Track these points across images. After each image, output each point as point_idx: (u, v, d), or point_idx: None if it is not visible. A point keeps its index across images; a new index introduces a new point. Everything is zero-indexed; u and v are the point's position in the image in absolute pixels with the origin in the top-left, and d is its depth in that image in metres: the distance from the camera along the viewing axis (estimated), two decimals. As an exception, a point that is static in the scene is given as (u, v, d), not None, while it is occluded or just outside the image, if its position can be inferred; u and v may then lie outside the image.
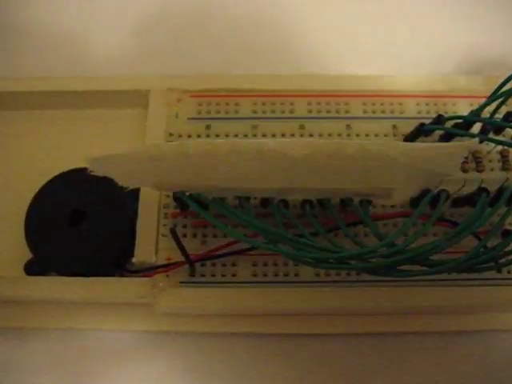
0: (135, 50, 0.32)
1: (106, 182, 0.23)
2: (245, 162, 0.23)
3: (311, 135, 0.28)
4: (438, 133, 0.27)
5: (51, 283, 0.25)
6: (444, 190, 0.24)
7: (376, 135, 0.28)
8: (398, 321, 0.26)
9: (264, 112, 0.28)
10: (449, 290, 0.25)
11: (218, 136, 0.28)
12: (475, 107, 0.28)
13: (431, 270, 0.23)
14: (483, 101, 0.27)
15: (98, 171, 0.23)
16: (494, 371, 0.26)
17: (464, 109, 0.28)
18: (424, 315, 0.26)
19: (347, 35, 0.33)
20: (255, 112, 0.28)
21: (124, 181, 0.23)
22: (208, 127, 0.28)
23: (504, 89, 0.26)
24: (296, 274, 0.25)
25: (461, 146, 0.23)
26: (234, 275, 0.26)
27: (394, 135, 0.28)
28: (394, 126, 0.28)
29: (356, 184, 0.23)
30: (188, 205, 0.24)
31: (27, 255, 0.26)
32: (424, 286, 0.25)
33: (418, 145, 0.23)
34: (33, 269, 0.26)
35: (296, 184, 0.24)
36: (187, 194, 0.24)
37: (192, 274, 0.25)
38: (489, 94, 0.27)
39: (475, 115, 0.26)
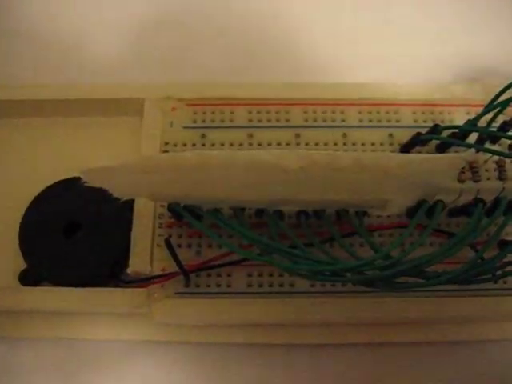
0: (130, 58, 0.32)
1: (101, 192, 0.23)
2: (239, 174, 0.22)
3: (307, 144, 0.28)
4: (435, 142, 0.27)
5: (45, 293, 0.25)
6: (440, 201, 0.24)
7: (372, 144, 0.28)
8: (393, 331, 0.26)
9: (260, 120, 0.28)
10: (444, 300, 0.25)
11: (213, 145, 0.28)
12: (472, 116, 0.28)
13: (428, 282, 0.22)
14: (480, 109, 0.27)
15: (93, 182, 0.23)
16: (495, 381, 0.26)
17: (461, 117, 0.28)
18: (420, 325, 0.26)
19: (343, 44, 0.33)
20: (251, 120, 0.28)
21: (119, 192, 0.23)
22: (203, 136, 0.28)
23: (501, 98, 0.26)
24: (291, 285, 0.25)
25: (457, 158, 0.23)
26: (228, 286, 0.25)
27: (390, 144, 0.28)
28: (391, 135, 0.28)
29: (351, 195, 0.23)
30: (183, 215, 0.24)
31: (21, 265, 0.26)
32: (420, 297, 0.25)
33: (414, 156, 0.23)
34: (27, 279, 0.26)
35: (291, 195, 0.23)
36: (182, 204, 0.24)
37: (187, 285, 0.25)
38: (485, 103, 0.27)
39: (472, 125, 0.26)
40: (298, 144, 0.28)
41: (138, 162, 0.23)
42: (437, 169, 0.23)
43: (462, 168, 0.25)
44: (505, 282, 0.26)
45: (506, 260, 0.23)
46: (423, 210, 0.24)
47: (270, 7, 0.34)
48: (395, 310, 0.25)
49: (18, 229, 0.27)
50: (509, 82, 0.26)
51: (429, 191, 0.24)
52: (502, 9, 0.34)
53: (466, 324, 0.26)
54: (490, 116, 0.26)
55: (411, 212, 0.25)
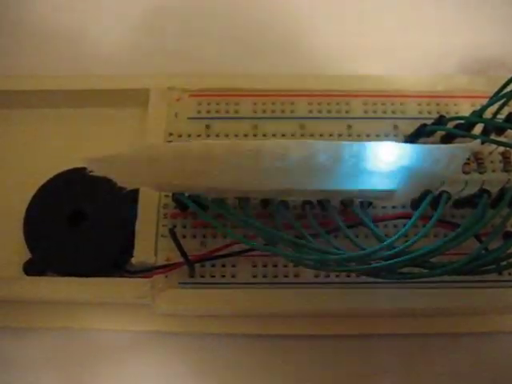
0: (135, 49, 0.32)
1: (106, 182, 0.23)
2: (244, 163, 0.22)
3: (312, 135, 0.28)
4: (440, 133, 0.27)
5: (50, 283, 0.25)
6: (445, 192, 0.24)
7: (377, 135, 0.28)
8: (398, 322, 0.26)
9: (264, 112, 0.28)
10: (450, 291, 0.25)
11: (217, 136, 0.28)
12: (477, 107, 0.27)
13: (432, 272, 0.22)
14: (484, 101, 0.27)
15: (97, 172, 0.22)
16: (497, 373, 0.26)
17: (465, 109, 0.28)
18: (426, 317, 0.26)
19: (348, 35, 0.33)
20: (255, 112, 0.28)
21: (123, 181, 0.23)
22: (208, 127, 0.28)
23: (506, 90, 0.26)
24: (296, 275, 0.25)
25: (463, 148, 0.23)
26: (233, 276, 0.25)
27: (395, 135, 0.28)
28: (395, 126, 0.28)
29: (357, 186, 0.23)
30: (187, 205, 0.24)
31: (26, 255, 0.26)
32: (426, 289, 0.25)
33: (420, 147, 0.23)
34: (32, 269, 0.26)
35: (296, 185, 0.23)
36: (186, 194, 0.24)
37: (191, 275, 0.25)
38: (490, 94, 0.27)
39: (477, 116, 0.26)
40: (302, 135, 0.28)
41: (142, 151, 0.23)
42: (442, 159, 0.22)
43: (467, 159, 0.25)
44: (510, 274, 0.26)
45: (510, 251, 0.23)
46: (428, 201, 0.24)
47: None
48: (399, 301, 0.25)
49: (22, 219, 0.27)
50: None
51: (434, 182, 0.24)
52: (508, 1, 0.33)
53: (473, 315, 0.26)
54: (495, 107, 0.26)
55: (416, 203, 0.25)
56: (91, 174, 0.22)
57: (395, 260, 0.22)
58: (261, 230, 0.23)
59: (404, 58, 0.32)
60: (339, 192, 0.24)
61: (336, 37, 0.32)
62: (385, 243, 0.22)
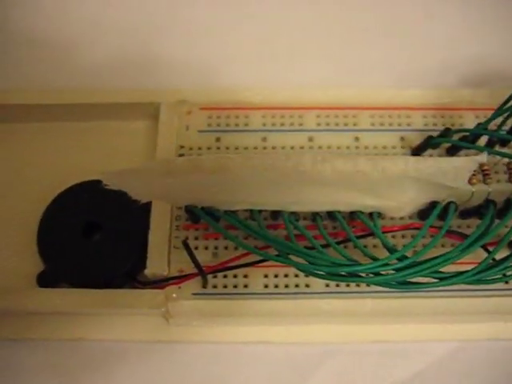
0: (146, 63, 0.33)
1: (119, 194, 0.23)
2: (257, 176, 0.23)
3: (320, 147, 0.28)
4: (445, 145, 0.28)
5: (63, 295, 0.26)
6: (452, 202, 0.25)
7: (384, 147, 0.28)
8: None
9: (273, 124, 0.29)
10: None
11: (227, 148, 0.28)
12: (480, 119, 0.28)
13: (441, 282, 0.23)
14: (488, 113, 0.27)
15: (112, 185, 0.23)
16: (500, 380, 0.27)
17: (470, 121, 0.29)
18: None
19: (355, 49, 0.33)
20: (264, 125, 0.29)
21: (137, 194, 0.23)
22: (218, 139, 0.28)
23: (511, 103, 0.26)
24: (307, 285, 0.26)
25: (469, 161, 0.23)
26: (245, 286, 0.26)
27: (402, 147, 0.28)
28: (402, 138, 0.28)
29: (366, 197, 0.24)
30: (200, 217, 0.25)
31: (39, 267, 0.27)
32: (433, 297, 0.25)
33: (427, 159, 0.23)
34: (45, 280, 0.27)
35: (306, 197, 0.24)
36: (199, 206, 0.24)
37: (204, 286, 0.26)
38: (493, 107, 0.27)
39: (482, 128, 0.27)
40: (311, 147, 0.28)
41: (156, 166, 0.24)
42: (449, 171, 0.23)
43: (474, 171, 0.25)
44: (516, 282, 0.26)
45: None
46: (437, 212, 0.25)
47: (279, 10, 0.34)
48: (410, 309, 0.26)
49: (36, 231, 0.27)
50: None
51: (441, 193, 0.25)
52: (510, 13, 0.34)
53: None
54: (499, 120, 0.27)
55: (422, 214, 0.26)
56: (106, 187, 0.23)
57: (407, 271, 0.22)
58: (273, 240, 0.24)
59: (410, 72, 0.32)
60: (349, 203, 0.24)
61: (344, 51, 0.33)
62: (396, 254, 0.23)
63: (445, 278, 0.23)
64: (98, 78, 0.32)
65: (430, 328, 0.27)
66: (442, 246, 0.27)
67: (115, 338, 0.27)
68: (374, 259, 0.23)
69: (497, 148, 0.27)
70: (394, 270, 0.23)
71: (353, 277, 0.23)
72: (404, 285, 0.23)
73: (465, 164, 0.23)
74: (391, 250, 0.23)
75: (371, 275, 0.23)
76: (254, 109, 0.29)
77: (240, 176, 0.23)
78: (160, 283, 0.26)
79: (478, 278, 0.23)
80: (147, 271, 0.26)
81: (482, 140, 0.27)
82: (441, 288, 0.25)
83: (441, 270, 0.23)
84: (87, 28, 0.34)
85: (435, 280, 0.23)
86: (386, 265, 0.22)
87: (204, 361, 0.27)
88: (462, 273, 0.23)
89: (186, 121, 0.29)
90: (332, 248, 0.24)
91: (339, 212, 0.25)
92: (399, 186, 0.24)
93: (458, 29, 0.34)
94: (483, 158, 0.23)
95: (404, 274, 0.22)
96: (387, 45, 0.33)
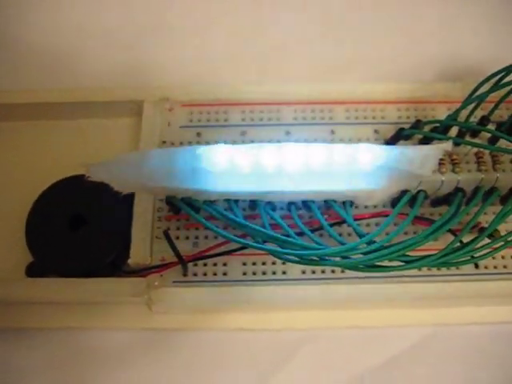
0: (130, 62, 0.34)
1: (103, 188, 0.24)
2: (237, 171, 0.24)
3: (297, 141, 0.29)
4: (418, 136, 0.29)
5: (51, 284, 0.27)
6: (422, 191, 0.26)
7: (359, 140, 0.29)
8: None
9: (252, 119, 0.30)
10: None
11: (208, 143, 0.29)
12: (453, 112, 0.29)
13: (408, 265, 0.24)
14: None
15: (95, 177, 0.24)
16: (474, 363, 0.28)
17: (442, 113, 0.30)
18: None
19: (331, 45, 0.34)
20: (243, 120, 0.30)
21: (119, 186, 0.24)
22: (199, 134, 0.29)
23: (477, 93, 0.27)
24: (284, 272, 0.27)
25: (435, 148, 0.24)
26: (224, 274, 0.27)
27: (376, 139, 0.29)
28: (376, 131, 0.29)
29: (338, 187, 0.25)
30: (180, 208, 0.26)
31: (28, 258, 0.28)
32: (409, 283, 0.26)
33: (394, 148, 0.25)
34: (34, 271, 0.28)
35: (281, 187, 0.25)
36: (179, 197, 0.25)
37: (185, 274, 0.27)
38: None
39: (452, 119, 0.28)
40: (288, 141, 0.29)
41: (134, 156, 0.25)
42: (417, 158, 0.24)
43: (443, 160, 0.26)
44: (486, 267, 0.27)
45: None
46: (406, 200, 0.26)
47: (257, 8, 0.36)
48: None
49: (24, 224, 0.28)
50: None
51: (411, 182, 0.26)
52: (485, 10, 0.35)
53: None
54: (468, 111, 0.28)
55: (395, 203, 0.27)
56: (89, 179, 0.24)
57: (374, 254, 0.23)
58: (248, 227, 0.25)
59: (384, 67, 0.33)
60: (323, 192, 0.25)
61: (319, 47, 0.34)
62: (364, 239, 0.24)
63: (411, 261, 0.24)
64: (83, 77, 0.33)
65: (405, 313, 0.28)
66: (414, 233, 0.27)
67: (100, 326, 0.28)
68: (343, 244, 0.24)
69: (468, 138, 0.28)
70: (362, 253, 0.23)
71: (323, 260, 0.24)
72: (372, 267, 0.24)
73: (431, 152, 0.24)
74: (361, 235, 0.24)
75: (340, 259, 0.24)
76: (233, 105, 0.30)
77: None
78: (143, 272, 0.27)
79: (444, 260, 0.24)
80: (130, 261, 0.27)
81: (454, 131, 0.28)
82: (415, 273, 0.26)
83: (408, 254, 0.24)
84: (73, 32, 0.35)
85: (401, 263, 0.24)
86: (355, 249, 0.23)
87: (186, 347, 0.27)
88: (428, 256, 0.24)
89: (168, 117, 0.30)
90: (306, 235, 0.25)
91: (313, 202, 0.26)
92: (370, 176, 0.25)
93: (434, 25, 0.35)
94: (448, 145, 0.24)
95: (371, 258, 0.23)
96: (364, 41, 0.34)
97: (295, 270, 0.27)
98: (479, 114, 0.28)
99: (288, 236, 0.25)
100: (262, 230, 0.24)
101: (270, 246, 0.24)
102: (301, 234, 0.25)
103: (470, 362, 0.27)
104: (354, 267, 0.24)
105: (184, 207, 0.25)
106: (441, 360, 0.27)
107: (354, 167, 0.24)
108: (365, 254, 0.24)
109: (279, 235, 0.24)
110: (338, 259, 0.24)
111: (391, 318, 0.28)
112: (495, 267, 0.27)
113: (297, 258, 0.24)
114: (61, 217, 0.28)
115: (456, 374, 0.27)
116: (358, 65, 0.33)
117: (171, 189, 0.25)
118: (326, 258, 0.23)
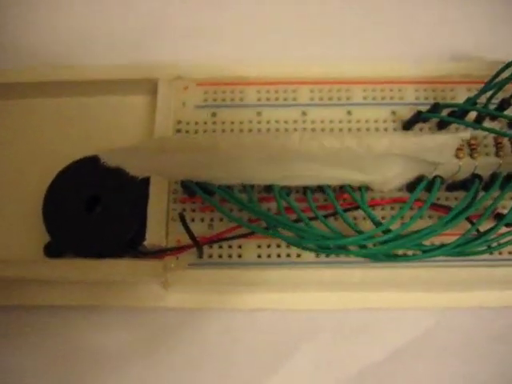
0: (145, 39, 0.33)
1: (120, 170, 0.24)
2: (247, 154, 0.24)
3: (313, 121, 0.29)
4: (436, 119, 0.28)
5: (68, 264, 0.27)
6: (438, 176, 0.26)
7: (375, 121, 0.29)
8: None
9: (268, 99, 0.29)
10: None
11: (223, 123, 0.29)
12: (473, 93, 0.28)
13: (425, 255, 0.24)
14: (480, 86, 0.28)
15: (111, 163, 0.24)
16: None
17: (461, 94, 0.29)
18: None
19: (349, 24, 0.34)
20: (259, 99, 0.29)
21: (134, 171, 0.25)
22: (214, 114, 0.29)
23: (499, 78, 0.27)
24: (298, 255, 0.27)
25: (453, 138, 0.24)
26: (239, 256, 0.27)
27: (393, 121, 0.29)
28: (393, 112, 0.29)
29: (353, 173, 0.25)
30: (195, 192, 0.26)
31: (46, 238, 0.28)
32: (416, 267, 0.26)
33: (411, 136, 0.24)
34: (51, 251, 0.28)
35: (295, 173, 0.25)
36: (194, 181, 0.25)
37: (200, 256, 0.27)
38: (485, 79, 0.28)
39: (471, 103, 0.27)
40: (304, 121, 0.29)
41: (152, 144, 0.25)
42: (434, 148, 0.24)
43: (461, 145, 0.26)
44: (500, 253, 0.27)
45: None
46: (423, 186, 0.25)
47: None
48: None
49: (41, 205, 0.28)
50: (509, 60, 0.27)
51: (427, 168, 0.25)
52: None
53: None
54: (488, 94, 0.27)
55: (411, 187, 0.27)
56: (104, 164, 0.24)
57: (391, 244, 0.23)
58: (262, 214, 0.25)
59: (402, 46, 0.33)
60: (336, 178, 0.25)
61: (337, 25, 0.33)
62: (380, 228, 0.24)
63: (428, 251, 0.24)
64: (98, 55, 0.33)
65: (417, 296, 0.28)
66: (430, 217, 0.27)
67: (117, 304, 0.28)
68: (360, 232, 0.24)
69: (487, 122, 0.28)
70: (379, 242, 0.24)
71: (339, 249, 0.24)
72: (389, 257, 0.24)
73: (448, 141, 0.24)
74: (377, 223, 0.24)
75: (357, 248, 0.24)
76: (248, 84, 0.29)
77: (231, 154, 0.24)
78: (158, 254, 0.27)
79: (460, 250, 0.24)
80: (146, 242, 0.27)
81: (472, 114, 0.28)
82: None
83: (426, 242, 0.24)
84: (88, 11, 0.35)
85: (419, 252, 0.24)
86: (371, 238, 0.24)
87: (201, 327, 0.28)
88: (444, 245, 0.24)
89: (183, 96, 0.29)
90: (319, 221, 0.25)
91: (329, 186, 0.26)
92: (385, 162, 0.24)
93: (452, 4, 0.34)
94: (467, 134, 0.24)
95: (389, 247, 0.23)
96: (381, 19, 0.34)
97: (309, 253, 0.27)
98: (500, 95, 0.28)
99: (301, 222, 0.25)
100: (276, 216, 0.25)
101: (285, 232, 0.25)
102: (313, 218, 0.25)
103: (481, 345, 0.28)
104: (374, 257, 0.24)
105: (198, 191, 0.25)
106: (452, 343, 0.28)
107: (369, 154, 0.24)
108: (381, 243, 0.24)
109: (295, 224, 0.24)
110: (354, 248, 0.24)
111: (404, 301, 0.28)
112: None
113: (314, 247, 0.24)
114: (78, 197, 0.28)
115: (467, 354, 0.28)
116: (375, 43, 0.33)
117: (187, 175, 0.25)
118: (343, 247, 0.24)
